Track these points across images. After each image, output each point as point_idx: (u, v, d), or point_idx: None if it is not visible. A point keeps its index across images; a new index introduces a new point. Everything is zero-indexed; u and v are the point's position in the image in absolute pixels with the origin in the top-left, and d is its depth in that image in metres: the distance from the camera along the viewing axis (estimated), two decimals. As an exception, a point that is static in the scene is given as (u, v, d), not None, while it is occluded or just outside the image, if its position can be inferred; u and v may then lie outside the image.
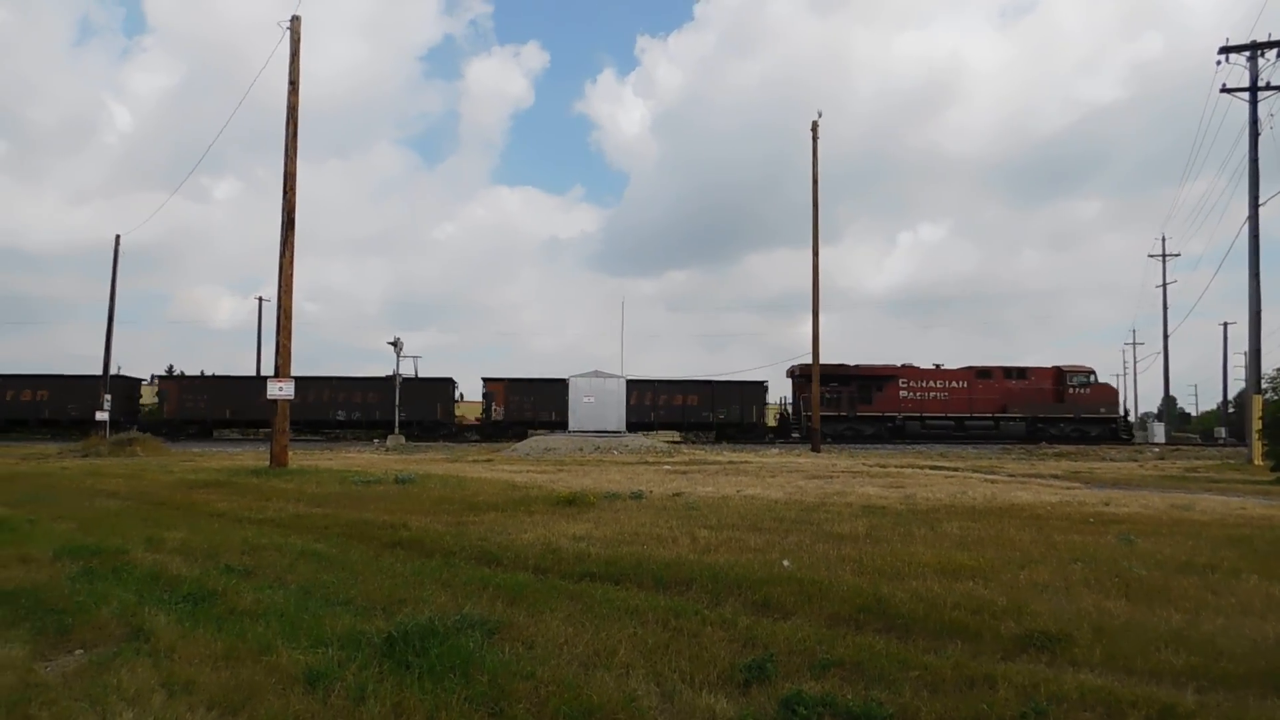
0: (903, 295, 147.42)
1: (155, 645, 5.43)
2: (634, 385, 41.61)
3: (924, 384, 43.00)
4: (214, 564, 7.86)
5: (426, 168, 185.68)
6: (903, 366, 43.64)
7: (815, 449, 31.53)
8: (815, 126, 32.90)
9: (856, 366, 43.46)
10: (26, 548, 9.05)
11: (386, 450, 32.12)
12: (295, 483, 14.80)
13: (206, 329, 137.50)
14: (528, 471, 18.04)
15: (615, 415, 31.10)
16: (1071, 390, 42.57)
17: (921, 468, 20.98)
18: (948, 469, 20.90)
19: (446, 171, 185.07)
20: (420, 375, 48.10)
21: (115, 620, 6.06)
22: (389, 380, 42.51)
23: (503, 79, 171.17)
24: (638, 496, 12.03)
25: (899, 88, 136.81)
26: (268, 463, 18.91)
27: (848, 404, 41.98)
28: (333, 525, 9.98)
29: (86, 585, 7.15)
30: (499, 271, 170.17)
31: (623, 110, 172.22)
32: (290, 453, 19.54)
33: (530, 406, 43.45)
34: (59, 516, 11.72)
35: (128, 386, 47.50)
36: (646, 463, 22.08)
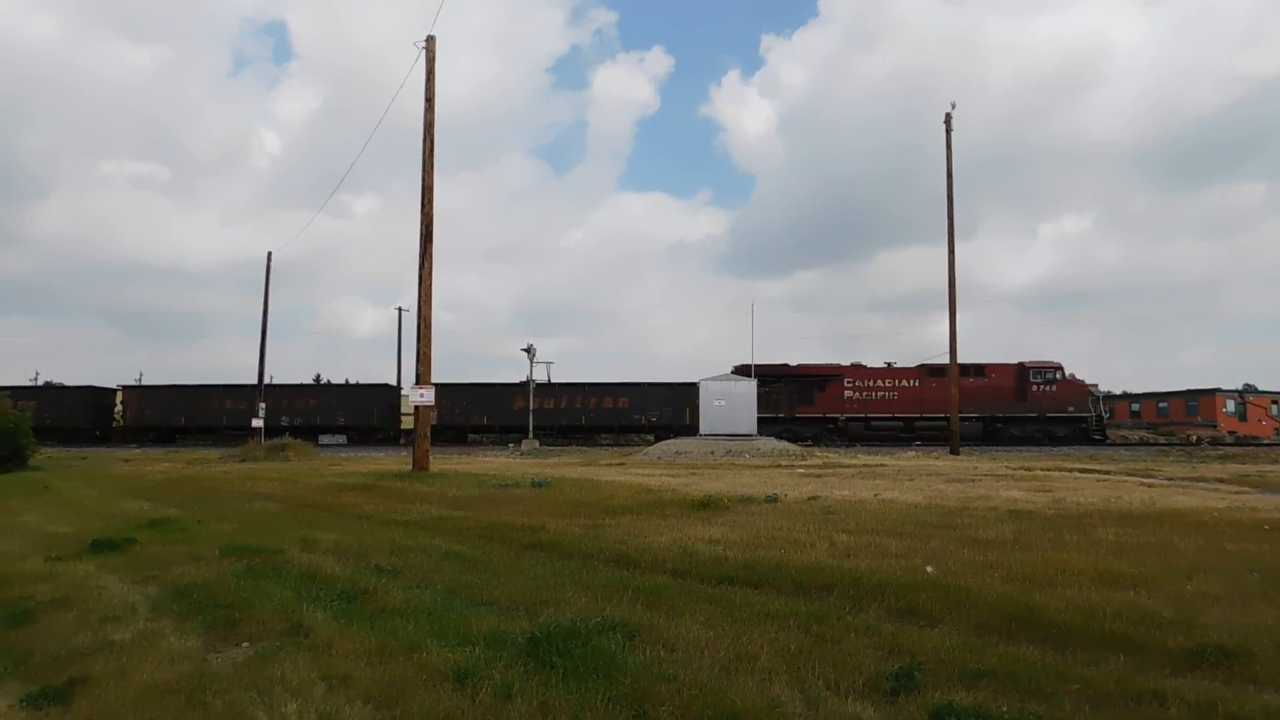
0: (1044, 291, 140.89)
1: (314, 640, 5.70)
2: (564, 389, 45.05)
3: (870, 383, 41.40)
4: (364, 564, 8.19)
5: (555, 177, 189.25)
6: (850, 366, 42.32)
7: (954, 451, 30.54)
8: (949, 117, 31.94)
9: (797, 366, 42.47)
10: (195, 546, 9.66)
11: (521, 454, 32.85)
12: (436, 486, 15.29)
13: (349, 339, 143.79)
14: (660, 475, 18.12)
15: (746, 418, 30.88)
16: (1035, 387, 40.14)
17: (1069, 470, 20.04)
18: (1099, 472, 19.88)
19: (574, 180, 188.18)
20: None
21: (276, 616, 6.39)
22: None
23: (628, 86, 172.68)
24: (772, 500, 11.91)
25: (1037, 72, 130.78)
26: (410, 467, 19.61)
27: (786, 405, 40.94)
28: (473, 527, 10.26)
29: (249, 582, 7.56)
30: (626, 277, 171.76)
31: (748, 111, 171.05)
32: (430, 457, 20.19)
33: (461, 411, 45.59)
34: (222, 517, 12.46)
35: (101, 396, 51.69)
36: (779, 466, 21.86)
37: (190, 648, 5.89)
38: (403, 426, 47.25)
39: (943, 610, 5.67)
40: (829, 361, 42.99)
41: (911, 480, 15.86)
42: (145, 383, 54.07)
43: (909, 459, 25.44)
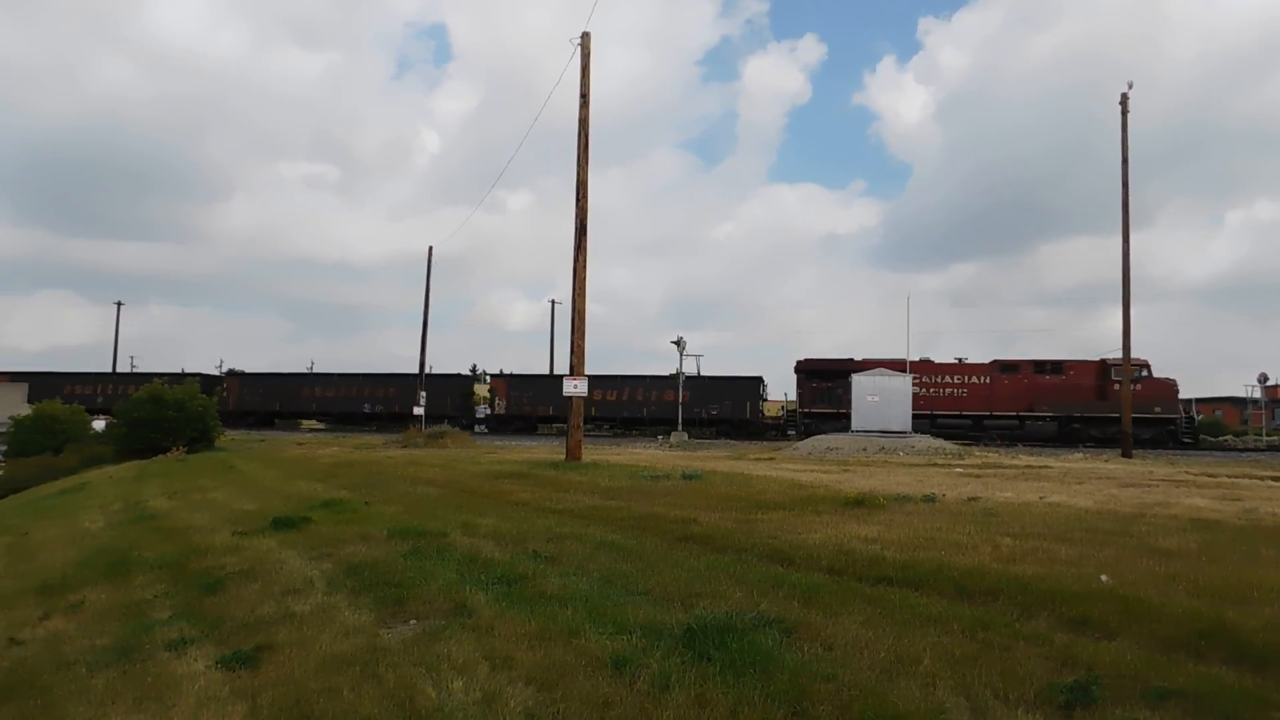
0: (1232, 283, 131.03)
1: (477, 621, 5.90)
2: (628, 381, 46.01)
3: (937, 379, 39.05)
4: (521, 550, 8.42)
5: (705, 170, 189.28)
6: (918, 361, 39.67)
7: (1126, 454, 28.78)
8: (1125, 99, 30.05)
9: (861, 360, 39.97)
10: (365, 527, 10.18)
11: (670, 447, 33.07)
12: (588, 476, 15.56)
13: (503, 331, 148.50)
14: (811, 471, 17.85)
15: (900, 414, 30.04)
16: (1117, 386, 35.93)
17: (1261, 478, 18.53)
18: (1294, 480, 18.30)
19: (724, 172, 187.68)
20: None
21: (441, 596, 6.65)
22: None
23: (779, 76, 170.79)
24: (930, 500, 11.53)
25: (1226, 49, 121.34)
26: (563, 456, 20.03)
27: (848, 399, 38.54)
28: (626, 518, 10.38)
29: (415, 563, 7.91)
30: (777, 270, 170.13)
31: (904, 99, 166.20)
32: (583, 447, 20.56)
33: (528, 401, 47.48)
34: (388, 500, 13.08)
35: (209, 384, 53.65)
36: (936, 464, 21.17)
37: (363, 622, 6.21)
38: (477, 416, 49.90)
39: (1120, 622, 5.34)
40: (896, 357, 40.41)
41: (1080, 483, 15.03)
42: (250, 370, 58.47)
43: (1076, 460, 24.16)
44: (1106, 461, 24.00)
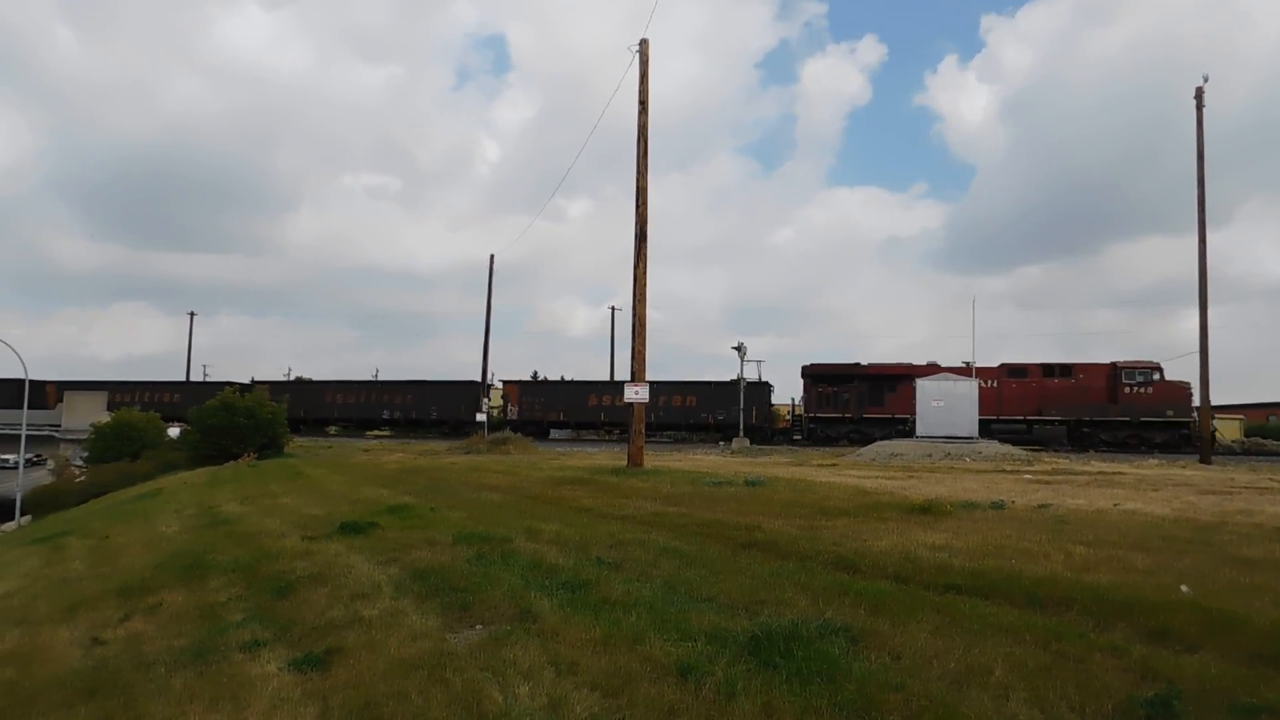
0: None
1: (542, 627, 5.93)
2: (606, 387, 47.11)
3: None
4: (585, 556, 8.44)
5: (763, 174, 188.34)
6: (924, 365, 39.47)
7: (1205, 460, 27.86)
8: (1200, 93, 29.15)
9: (868, 365, 40.85)
10: (430, 532, 10.30)
11: (731, 453, 32.93)
12: (650, 482, 15.56)
13: (564, 338, 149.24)
14: (875, 477, 17.63)
15: (966, 419, 29.40)
16: (1128, 389, 36.07)
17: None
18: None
19: (783, 176, 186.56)
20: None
21: (506, 601, 6.70)
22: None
23: (838, 78, 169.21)
24: (998, 506, 11.31)
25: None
26: (625, 463, 20.07)
27: (855, 405, 39.82)
28: (689, 524, 10.35)
29: (480, 568, 7.98)
30: (837, 274, 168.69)
31: (967, 98, 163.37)
32: (644, 454, 20.56)
33: (540, 407, 48.62)
34: (452, 506, 13.23)
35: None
36: (1004, 471, 20.72)
37: (430, 627, 6.28)
38: (478, 419, 50.19)
39: (1202, 635, 5.16)
40: (902, 361, 41.17)
41: (1156, 490, 14.60)
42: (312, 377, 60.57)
43: (1151, 467, 23.46)
44: (1184, 468, 23.27)
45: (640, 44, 20.98)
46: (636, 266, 20.05)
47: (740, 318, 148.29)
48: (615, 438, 46.31)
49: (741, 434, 38.96)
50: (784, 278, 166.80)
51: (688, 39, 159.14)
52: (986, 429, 36.11)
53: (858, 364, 41.03)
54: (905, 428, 38.07)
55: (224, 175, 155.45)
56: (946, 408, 29.88)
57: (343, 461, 29.18)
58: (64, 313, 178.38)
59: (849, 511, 10.95)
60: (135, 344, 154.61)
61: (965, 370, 38.98)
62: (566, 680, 4.92)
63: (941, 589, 6.62)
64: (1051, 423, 36.87)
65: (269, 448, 34.00)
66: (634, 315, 20.18)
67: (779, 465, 22.70)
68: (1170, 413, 35.81)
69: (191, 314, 75.42)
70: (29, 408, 39.55)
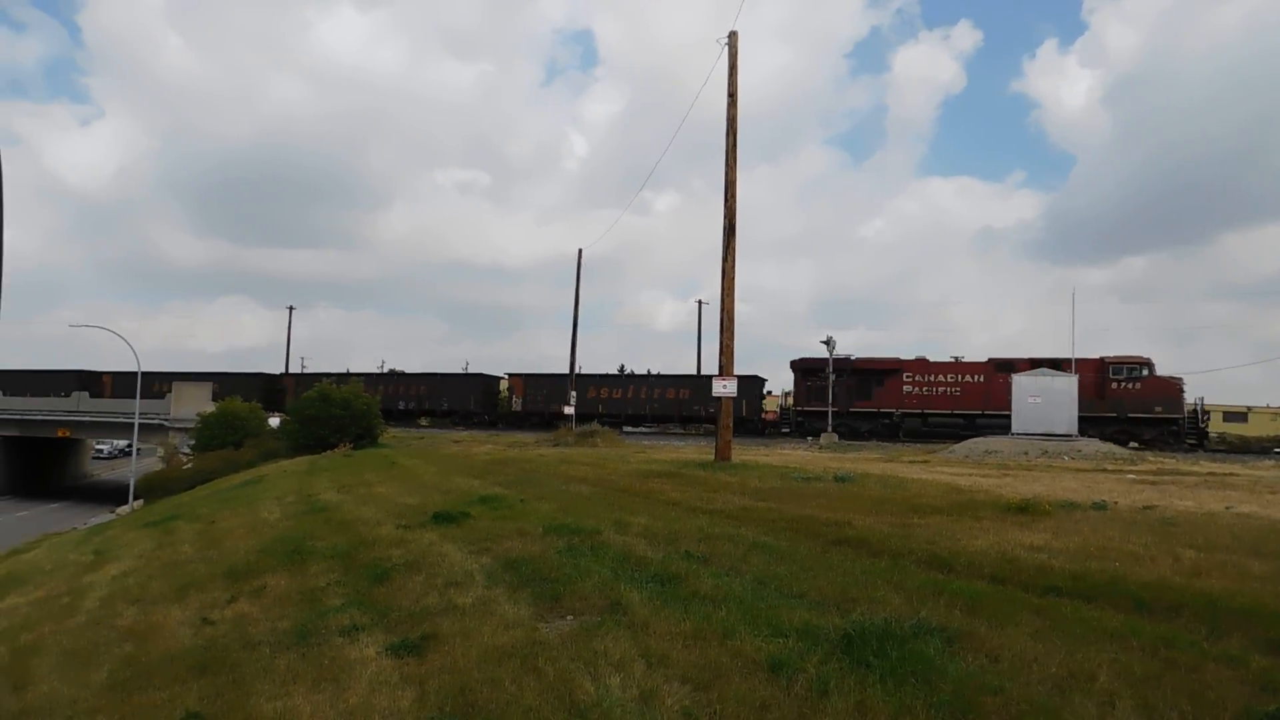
0: None
1: (632, 619, 5.96)
2: (631, 380, 48.04)
3: (932, 379, 38.38)
4: (674, 549, 8.44)
5: (853, 165, 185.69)
6: (913, 360, 39.59)
7: (1322, 462, 26.44)
8: (1319, 79, 27.67)
9: (857, 359, 40.82)
10: (521, 523, 10.44)
11: (820, 448, 32.55)
12: (738, 477, 15.48)
13: (650, 331, 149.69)
14: (969, 475, 17.22)
15: (1065, 416, 28.41)
16: (1115, 385, 35.39)
17: None
18: None
19: (874, 167, 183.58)
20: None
21: (596, 593, 6.75)
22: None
23: (931, 66, 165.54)
24: (1100, 507, 10.92)
25: None
26: (712, 457, 20.01)
27: (843, 399, 39.63)
28: (778, 519, 10.27)
29: (570, 560, 8.05)
30: (929, 265, 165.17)
31: (1067, 84, 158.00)
32: (732, 448, 20.47)
33: (543, 399, 49.11)
34: (542, 497, 13.38)
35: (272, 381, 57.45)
36: (1105, 470, 20.01)
37: (522, 616, 6.38)
38: (500, 411, 52.59)
39: (1329, 646, 4.90)
40: (891, 355, 40.85)
41: (1273, 493, 13.89)
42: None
43: (1267, 468, 22.36)
44: (1301, 469, 22.11)
45: (729, 36, 20.85)
46: (725, 261, 19.94)
47: (829, 311, 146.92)
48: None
49: (830, 429, 38.45)
50: (874, 270, 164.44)
51: (775, 29, 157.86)
52: (972, 424, 36.85)
53: (847, 358, 41.17)
54: (890, 421, 39.00)
55: (320, 173, 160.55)
56: (1044, 404, 28.99)
57: (434, 452, 29.81)
58: (172, 306, 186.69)
59: (942, 509, 10.71)
60: (238, 337, 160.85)
61: (950, 365, 39.53)
62: (657, 673, 4.93)
63: (1041, 591, 6.43)
64: None
65: (364, 437, 34.89)
66: (722, 310, 20.07)
67: (869, 461, 22.36)
68: (1159, 409, 35.09)
69: (290, 308, 77.70)
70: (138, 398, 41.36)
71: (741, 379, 45.08)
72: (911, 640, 5.08)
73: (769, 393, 48.18)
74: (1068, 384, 29.69)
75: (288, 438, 35.98)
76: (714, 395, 20.27)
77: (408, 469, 22.08)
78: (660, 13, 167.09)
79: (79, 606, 10.28)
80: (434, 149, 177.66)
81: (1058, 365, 35.52)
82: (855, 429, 39.19)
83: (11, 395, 59.61)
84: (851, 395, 40.13)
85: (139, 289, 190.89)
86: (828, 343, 39.19)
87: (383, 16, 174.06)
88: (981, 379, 38.13)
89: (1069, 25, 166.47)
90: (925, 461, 23.04)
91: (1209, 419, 37.10)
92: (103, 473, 76.47)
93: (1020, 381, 30.08)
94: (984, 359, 39.13)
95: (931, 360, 40.05)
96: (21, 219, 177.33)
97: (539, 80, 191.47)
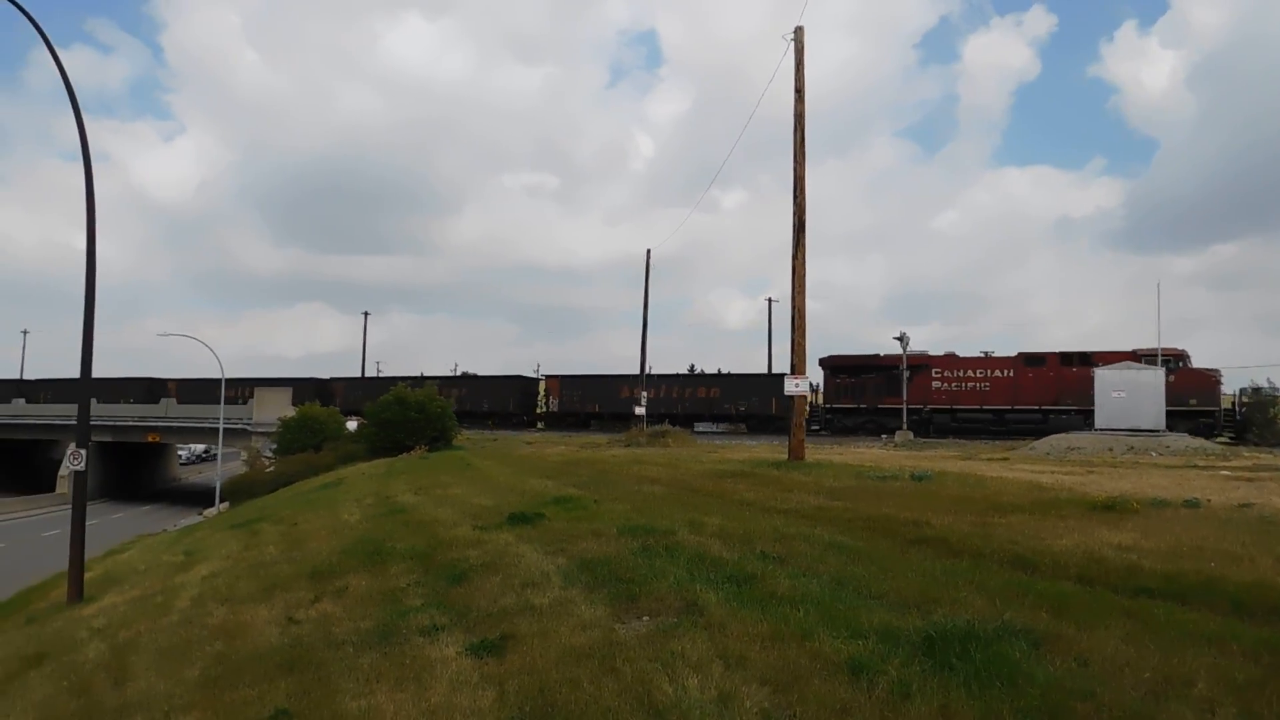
0: None
1: (708, 620, 5.93)
2: (663, 379, 48.78)
3: (960, 374, 38.14)
4: (749, 549, 8.38)
5: (925, 157, 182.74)
6: (942, 355, 39.87)
7: None
8: None
9: (885, 356, 40.61)
10: (595, 524, 10.47)
11: (895, 446, 32.07)
12: (812, 476, 15.32)
13: (720, 329, 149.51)
14: (1051, 472, 16.76)
15: (1152, 411, 27.48)
16: None
17: None
18: None
19: (946, 158, 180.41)
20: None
21: (672, 593, 6.73)
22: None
23: (1004, 53, 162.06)
24: (1192, 505, 10.53)
25: None
26: (785, 456, 19.85)
27: (872, 395, 40.31)
28: (854, 519, 10.13)
29: (645, 560, 8.04)
30: (1005, 257, 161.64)
31: (1148, 66, 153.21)
32: (805, 447, 20.28)
33: (578, 400, 51.26)
34: (615, 498, 13.41)
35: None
36: (1195, 466, 19.29)
37: (598, 616, 6.39)
38: (537, 411, 53.94)
39: None
40: (920, 350, 40.19)
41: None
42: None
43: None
44: None
45: (795, 32, 20.63)
46: (795, 258, 19.75)
47: (902, 305, 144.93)
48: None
49: (905, 426, 37.87)
50: (948, 263, 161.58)
51: (841, 22, 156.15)
52: (1001, 420, 36.99)
53: (876, 355, 41.49)
54: (919, 417, 38.61)
55: (391, 182, 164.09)
56: (1129, 398, 28.10)
57: (507, 454, 30.15)
58: (252, 313, 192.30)
59: (1024, 508, 10.44)
60: (315, 342, 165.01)
61: (979, 360, 39.37)
62: (735, 674, 4.90)
63: (1131, 592, 6.23)
64: (1068, 412, 35.46)
65: (439, 440, 35.46)
66: (793, 307, 19.88)
67: (945, 459, 21.93)
68: (1193, 401, 33.69)
69: (365, 313, 79.38)
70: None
71: (766, 377, 47.19)
72: (996, 642, 4.96)
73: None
74: (1154, 377, 28.74)
75: (365, 441, 36.73)
76: (786, 394, 20.10)
77: (482, 470, 22.37)
78: (723, 10, 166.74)
79: (172, 605, 10.63)
80: (502, 153, 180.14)
81: (1088, 359, 35.50)
82: (883, 425, 39.03)
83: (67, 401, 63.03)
84: (881, 392, 40.26)
85: (220, 297, 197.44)
86: (900, 338, 38.58)
87: (449, 24, 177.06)
88: (1011, 374, 37.90)
89: (1149, 5, 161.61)
90: (1005, 459, 22.52)
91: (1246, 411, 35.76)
92: (189, 476, 79.16)
93: (1104, 375, 29.21)
94: (1013, 353, 38.88)
95: (960, 355, 40.09)
96: (110, 232, 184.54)
97: (604, 82, 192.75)
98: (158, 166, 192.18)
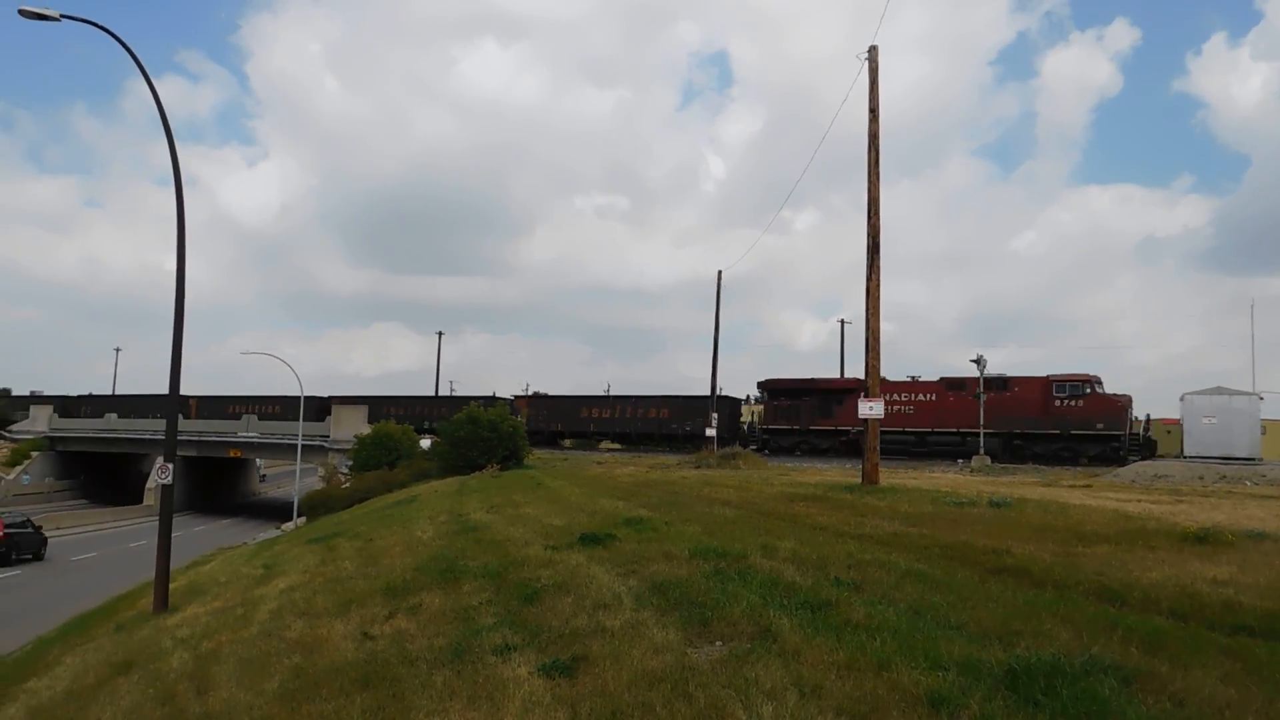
0: None
1: (782, 646, 5.83)
2: (618, 400, 53.28)
3: (889, 397, 36.32)
4: (823, 575, 8.23)
5: (1001, 176, 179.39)
6: (894, 382, 40.24)
7: None
8: None
9: (822, 380, 44.64)
10: (667, 546, 10.41)
11: (971, 471, 31.36)
12: (888, 500, 15.06)
13: (791, 350, 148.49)
14: (1138, 500, 16.20)
15: (1246, 439, 26.44)
16: (1059, 402, 36.06)
17: None
18: None
19: (1023, 177, 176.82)
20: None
21: (745, 618, 6.64)
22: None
23: (1084, 68, 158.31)
24: (1292, 538, 10.07)
25: None
26: (859, 480, 19.55)
27: (806, 417, 42.63)
28: (931, 546, 9.91)
29: (718, 584, 7.95)
30: (1086, 279, 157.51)
31: (1238, 79, 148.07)
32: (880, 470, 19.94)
33: (544, 420, 53.92)
34: (686, 520, 13.32)
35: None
36: (1292, 497, 18.49)
37: (671, 640, 6.34)
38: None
39: None
40: (856, 377, 41.66)
41: None
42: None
43: None
44: None
45: (869, 51, 20.48)
46: (869, 280, 19.52)
47: (978, 328, 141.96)
48: (606, 448, 52.63)
49: (982, 451, 37.05)
50: (1026, 285, 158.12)
51: (915, 40, 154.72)
52: (923, 441, 38.61)
53: (812, 379, 44.52)
54: (845, 438, 40.44)
55: (465, 205, 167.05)
56: (1220, 425, 27.08)
57: (578, 474, 30.26)
58: (331, 333, 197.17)
59: (1110, 538, 10.10)
60: (391, 361, 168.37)
61: (905, 385, 40.78)
62: (811, 703, 4.80)
63: (1229, 629, 5.96)
64: (990, 435, 36.87)
65: (510, 459, 35.80)
66: (867, 329, 19.64)
67: (1025, 485, 21.36)
68: (1100, 425, 35.30)
69: (439, 333, 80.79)
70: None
71: (721, 399, 48.54)
72: (1083, 678, 4.78)
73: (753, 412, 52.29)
74: (1248, 404, 27.67)
75: (439, 459, 37.27)
76: (860, 417, 19.82)
77: (553, 490, 22.47)
78: (795, 30, 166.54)
79: (252, 618, 10.87)
80: (573, 175, 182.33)
81: (1006, 384, 37.57)
82: (815, 446, 42.10)
83: (125, 417, 66.79)
84: (815, 414, 42.67)
85: (300, 317, 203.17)
86: (977, 361, 37.79)
87: (524, 49, 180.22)
88: (933, 398, 39.57)
89: (1240, 16, 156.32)
90: (1088, 486, 21.85)
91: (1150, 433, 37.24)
92: (268, 490, 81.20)
93: (1194, 401, 28.24)
94: (936, 379, 40.74)
95: (892, 381, 40.77)
96: (199, 254, 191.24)
97: (675, 104, 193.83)
98: (243, 190, 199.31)
